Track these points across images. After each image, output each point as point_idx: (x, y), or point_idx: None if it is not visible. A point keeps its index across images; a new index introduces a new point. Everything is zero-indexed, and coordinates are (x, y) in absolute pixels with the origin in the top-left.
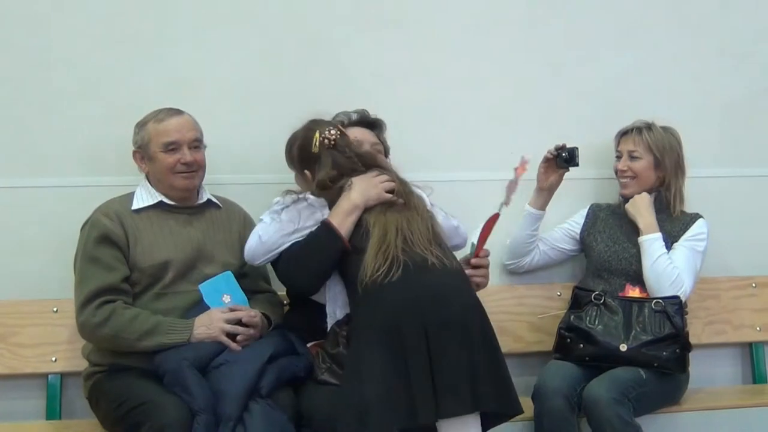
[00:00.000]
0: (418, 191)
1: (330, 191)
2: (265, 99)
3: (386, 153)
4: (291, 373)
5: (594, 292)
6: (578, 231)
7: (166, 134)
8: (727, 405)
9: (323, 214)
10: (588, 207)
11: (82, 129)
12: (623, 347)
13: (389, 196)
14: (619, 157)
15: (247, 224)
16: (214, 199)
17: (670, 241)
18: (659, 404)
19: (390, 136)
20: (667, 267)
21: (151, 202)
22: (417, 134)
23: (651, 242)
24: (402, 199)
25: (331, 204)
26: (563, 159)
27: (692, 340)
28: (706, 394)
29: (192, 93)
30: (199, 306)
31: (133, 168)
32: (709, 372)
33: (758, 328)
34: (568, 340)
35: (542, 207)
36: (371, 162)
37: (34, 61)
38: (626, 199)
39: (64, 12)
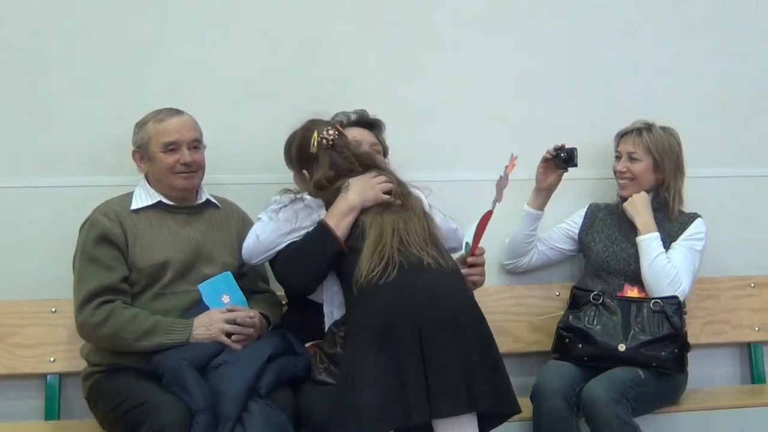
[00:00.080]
0: (417, 192)
1: (327, 191)
2: (265, 99)
3: (385, 153)
4: (290, 373)
5: (593, 292)
6: (577, 231)
7: (165, 134)
8: (725, 405)
9: (320, 214)
10: (586, 207)
11: (81, 129)
12: (622, 347)
13: (386, 197)
14: (618, 158)
15: (245, 224)
16: (213, 199)
17: (668, 240)
18: (658, 404)
19: (389, 136)
20: (666, 266)
21: (150, 202)
22: (416, 134)
23: (649, 242)
24: (399, 200)
25: (329, 204)
26: (562, 159)
27: (691, 340)
28: (704, 394)
29: (191, 93)
30: (198, 306)
31: (132, 168)
32: (707, 372)
33: (757, 328)
34: (567, 340)
35: (541, 207)
36: (369, 162)
37: (33, 61)
38: (624, 199)
39: (64, 12)
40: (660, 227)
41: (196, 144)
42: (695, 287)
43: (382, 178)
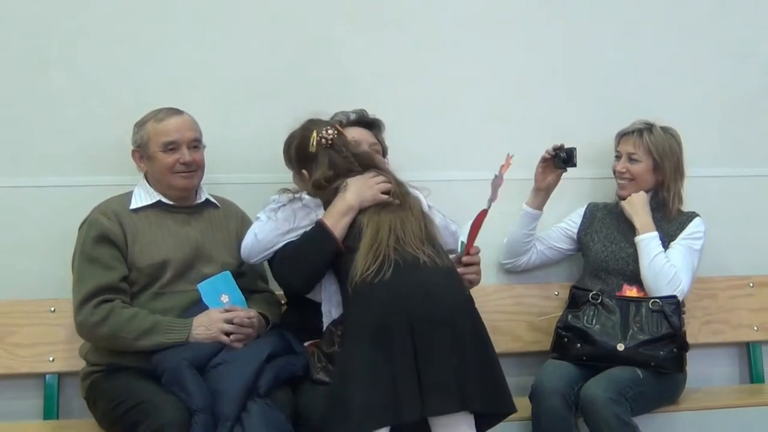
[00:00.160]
0: (415, 192)
1: (326, 191)
2: (265, 99)
3: (384, 153)
4: (289, 373)
5: (591, 291)
6: (575, 231)
7: (165, 134)
8: (724, 405)
9: (318, 214)
10: (585, 206)
11: (80, 129)
12: (620, 347)
13: (385, 197)
14: (618, 158)
15: (245, 224)
16: (213, 199)
17: (666, 240)
18: (656, 404)
19: (389, 135)
20: (665, 266)
21: (150, 202)
22: (416, 134)
23: (648, 241)
24: (398, 200)
25: (327, 204)
26: (561, 159)
27: (689, 339)
28: (703, 394)
29: (191, 93)
30: (197, 306)
31: (132, 167)
32: (706, 372)
33: (756, 328)
34: (566, 339)
35: (539, 207)
36: (368, 162)
37: (33, 61)
38: (623, 199)
39: (64, 12)
40: (659, 227)
41: (196, 144)
42: (694, 287)
43: (381, 178)
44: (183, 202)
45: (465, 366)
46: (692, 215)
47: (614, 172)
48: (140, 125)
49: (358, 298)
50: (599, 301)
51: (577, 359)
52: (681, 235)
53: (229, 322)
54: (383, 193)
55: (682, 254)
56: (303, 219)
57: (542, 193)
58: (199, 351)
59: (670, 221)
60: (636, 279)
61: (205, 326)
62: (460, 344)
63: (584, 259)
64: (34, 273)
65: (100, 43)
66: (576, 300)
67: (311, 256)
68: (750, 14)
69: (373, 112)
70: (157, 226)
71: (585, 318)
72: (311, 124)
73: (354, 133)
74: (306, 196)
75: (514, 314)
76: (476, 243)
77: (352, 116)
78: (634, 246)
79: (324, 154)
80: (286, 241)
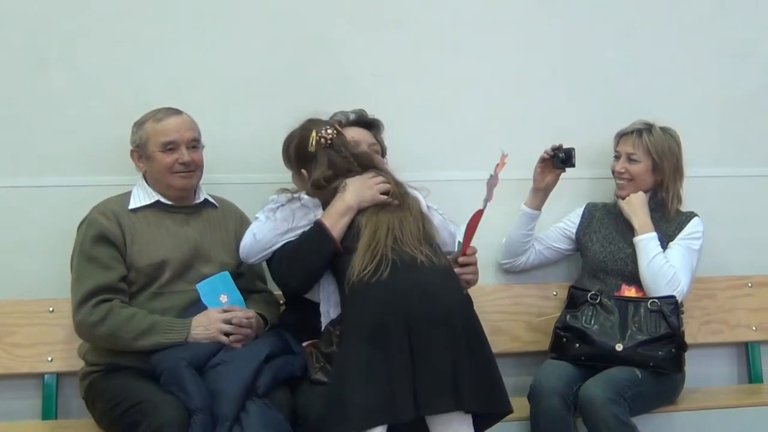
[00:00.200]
0: (414, 192)
1: (325, 191)
2: (264, 99)
3: (383, 153)
4: (287, 373)
5: (590, 291)
6: (574, 231)
7: (164, 134)
8: (723, 405)
9: (317, 214)
10: (584, 206)
11: (80, 128)
12: (619, 347)
13: (384, 197)
14: (617, 158)
15: (243, 224)
16: (211, 199)
17: (665, 240)
18: (655, 404)
19: (389, 135)
20: (664, 266)
21: (148, 202)
22: (416, 134)
23: (646, 242)
24: (396, 201)
25: (326, 204)
26: (560, 159)
27: (688, 339)
28: (702, 394)
29: (191, 93)
30: (196, 306)
31: (130, 167)
32: (705, 372)
33: (754, 328)
34: (564, 339)
35: (538, 207)
36: (367, 162)
37: (33, 60)
38: (622, 199)
39: (64, 12)
40: (657, 227)
41: (195, 144)
42: (693, 287)
43: (380, 178)
44: (182, 202)
45: (461, 366)
46: (691, 215)
47: (613, 172)
48: (139, 125)
49: (355, 297)
50: (598, 301)
51: (576, 359)
52: (680, 236)
53: (228, 322)
54: (382, 193)
55: (681, 255)
56: (302, 219)
57: (541, 193)
58: (198, 351)
59: (669, 221)
60: (635, 279)
61: (204, 326)
62: (457, 344)
63: (583, 259)
64: (33, 273)
65: (100, 43)
66: (574, 300)
67: (309, 256)
68: (750, 14)
69: (372, 112)
70: (156, 226)
71: (584, 318)
72: (310, 124)
73: (353, 133)
74: (305, 196)
75: (512, 314)
76: (474, 243)
77: (352, 116)
78: (632, 246)
79: (323, 154)
80: (284, 241)
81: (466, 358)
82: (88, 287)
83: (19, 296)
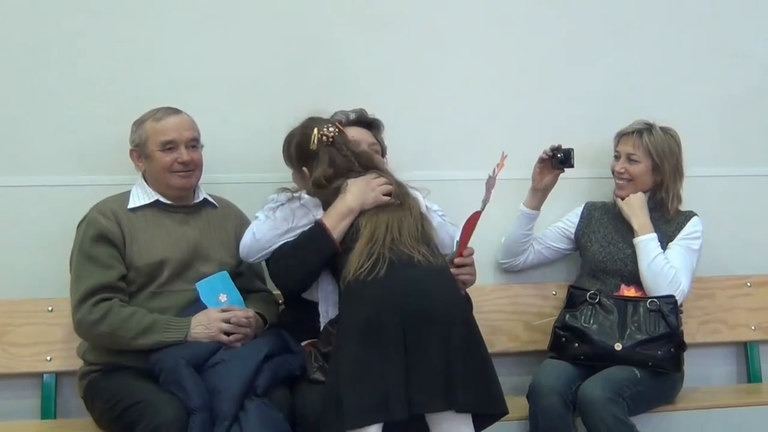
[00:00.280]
0: (415, 193)
1: (325, 191)
2: (263, 98)
3: (383, 153)
4: (286, 372)
5: (589, 291)
6: (573, 230)
7: (163, 133)
8: (721, 404)
9: (316, 214)
10: (583, 206)
11: (78, 128)
12: (618, 346)
13: (386, 199)
14: (617, 158)
15: (243, 223)
16: (210, 199)
17: (665, 240)
18: (654, 403)
19: (389, 135)
20: (664, 267)
21: (148, 201)
22: (416, 133)
23: (646, 243)
24: (398, 201)
25: (326, 204)
26: (558, 160)
27: (687, 339)
28: (701, 394)
29: (190, 92)
30: (194, 305)
31: (129, 167)
32: (704, 371)
33: (753, 328)
34: (563, 339)
35: (537, 207)
36: (368, 162)
37: (32, 60)
38: (621, 199)
39: (64, 12)
40: (657, 227)
41: (194, 143)
42: (692, 286)
43: (382, 179)
44: (181, 201)
45: (455, 365)
46: (690, 215)
47: (613, 172)
48: (138, 124)
49: (351, 296)
50: (597, 300)
51: (575, 359)
52: (679, 236)
53: (227, 321)
54: (385, 194)
55: (681, 255)
56: (301, 218)
57: (539, 193)
58: (197, 350)
59: (668, 221)
60: (634, 279)
61: (204, 325)
62: (451, 343)
63: (582, 259)
64: (32, 272)
65: (100, 42)
66: (574, 300)
67: (308, 256)
68: (750, 14)
69: (373, 112)
70: (155, 225)
71: (583, 318)
72: (312, 122)
73: (353, 133)
74: (305, 196)
75: (511, 314)
76: (473, 242)
77: (352, 116)
78: (632, 247)
79: (325, 152)
80: (284, 241)
81: (460, 358)
82: (87, 286)
83: (18, 296)
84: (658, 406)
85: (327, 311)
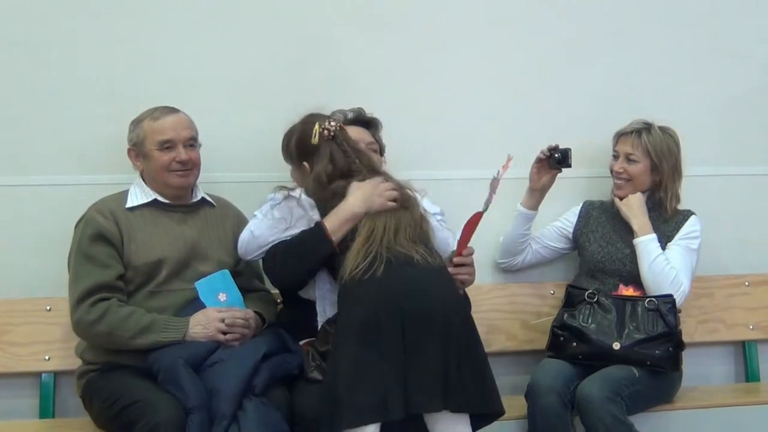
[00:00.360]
0: (414, 194)
1: (324, 191)
2: (263, 98)
3: (381, 152)
4: (285, 371)
5: (587, 290)
6: (571, 230)
7: (161, 132)
8: (720, 403)
9: (312, 215)
10: (581, 205)
11: (76, 127)
12: (616, 346)
13: (393, 205)
14: (616, 157)
15: (241, 223)
16: (208, 198)
17: (663, 240)
18: (652, 402)
19: (389, 134)
20: (665, 267)
21: (146, 200)
22: (415, 133)
23: (646, 243)
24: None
25: (321, 206)
26: (556, 160)
27: (685, 338)
28: (699, 393)
29: (189, 92)
30: (193, 304)
31: (127, 166)
32: (702, 370)
33: (751, 327)
34: (562, 338)
35: (534, 207)
36: (366, 161)
37: (32, 60)
38: (620, 199)
39: (64, 12)
40: (655, 227)
41: (192, 142)
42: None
43: (390, 184)
44: (179, 200)
45: (452, 364)
46: (688, 214)
47: (611, 171)
48: (136, 123)
49: (349, 295)
50: (595, 300)
51: (573, 358)
52: (677, 236)
53: (222, 321)
54: (391, 200)
55: (680, 255)
56: (299, 218)
57: (537, 193)
58: (195, 350)
59: (667, 221)
60: (632, 279)
61: (203, 325)
62: (449, 342)
63: (580, 258)
64: (30, 271)
65: (99, 42)
66: (572, 299)
67: (304, 256)
68: (749, 14)
69: (373, 112)
70: (153, 224)
71: (581, 317)
72: (313, 117)
73: (351, 132)
74: (302, 195)
75: (509, 313)
76: (471, 242)
77: (350, 115)
78: (630, 247)
79: (326, 147)
80: (282, 239)
81: (458, 358)
82: (85, 286)
83: (16, 295)
84: (657, 405)
85: (325, 310)
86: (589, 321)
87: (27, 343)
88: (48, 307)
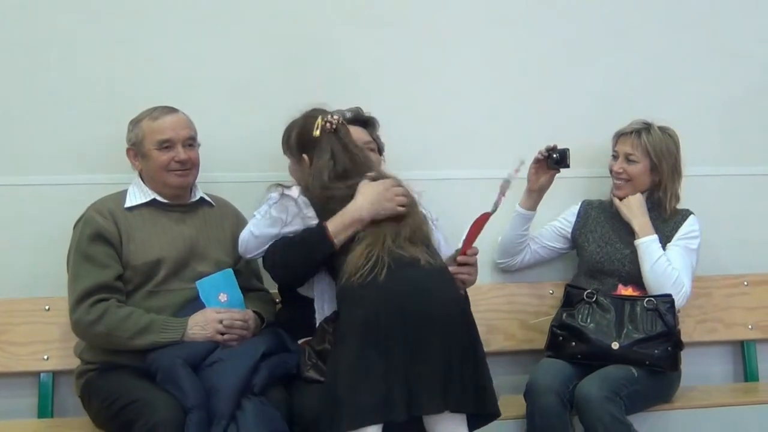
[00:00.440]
0: (415, 195)
1: (322, 189)
2: (262, 98)
3: (380, 151)
4: (283, 371)
5: (586, 290)
6: (570, 230)
7: (160, 132)
8: (718, 403)
9: (306, 213)
10: (579, 204)
11: (75, 127)
12: (615, 345)
13: (402, 210)
14: (615, 157)
15: (239, 222)
16: (207, 198)
17: (663, 240)
18: (651, 402)
19: (389, 134)
20: (667, 268)
21: (144, 200)
22: (415, 132)
23: (648, 244)
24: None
25: (317, 206)
26: (554, 160)
27: (684, 338)
28: (697, 393)
29: (189, 92)
30: (192, 304)
31: (126, 166)
32: (701, 370)
33: (750, 327)
34: (561, 338)
35: (532, 207)
36: (365, 161)
37: (32, 60)
38: (619, 199)
39: (62, 11)
40: (654, 227)
41: (191, 142)
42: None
43: (401, 189)
44: (177, 200)
45: (453, 366)
46: (686, 213)
47: (611, 171)
48: (135, 123)
49: (351, 296)
50: (594, 299)
51: (572, 357)
52: (676, 236)
53: (221, 323)
54: (400, 205)
55: (680, 256)
56: (294, 215)
57: (535, 194)
58: (194, 349)
59: (666, 221)
60: (631, 280)
61: (201, 326)
62: (451, 343)
63: (579, 258)
64: (29, 271)
65: (98, 42)
66: (571, 298)
67: (306, 255)
68: (750, 14)
69: (373, 112)
70: (152, 224)
71: (580, 316)
72: (315, 112)
73: None
74: (297, 194)
75: (507, 313)
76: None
77: (348, 115)
78: (629, 247)
79: (327, 141)
80: (281, 235)
81: (459, 358)
82: (84, 286)
83: (16, 294)
84: (655, 405)
85: (323, 307)
86: (588, 321)
87: (26, 343)
88: (47, 307)
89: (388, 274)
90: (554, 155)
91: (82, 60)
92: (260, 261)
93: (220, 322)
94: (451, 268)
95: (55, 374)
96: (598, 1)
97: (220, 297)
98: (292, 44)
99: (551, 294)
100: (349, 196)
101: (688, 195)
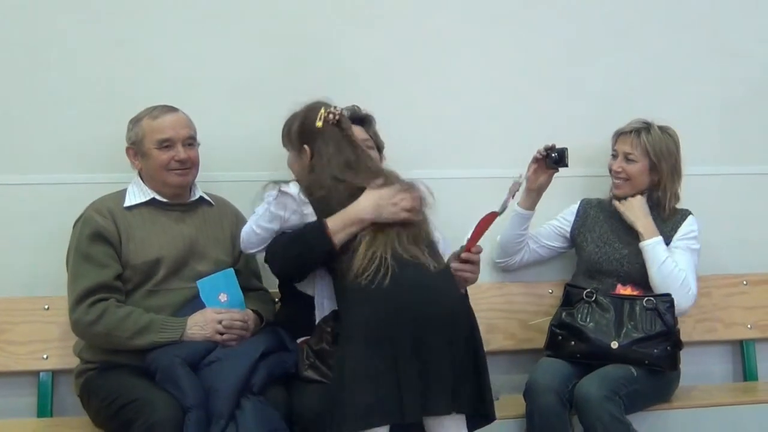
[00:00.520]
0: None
1: (316, 190)
2: (262, 97)
3: (379, 148)
4: (282, 370)
5: (586, 289)
6: (568, 229)
7: (160, 131)
8: (717, 403)
9: (304, 210)
10: (578, 203)
11: (74, 126)
12: (614, 345)
13: (406, 215)
14: (614, 156)
15: (239, 222)
16: (207, 197)
17: (663, 241)
18: (650, 402)
19: (388, 133)
20: (674, 270)
21: (144, 199)
22: (415, 132)
23: (653, 246)
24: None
25: (315, 204)
26: (553, 160)
27: (683, 337)
28: (697, 392)
29: (189, 92)
30: (191, 304)
31: (125, 165)
32: (700, 370)
33: (749, 326)
34: (560, 337)
35: (531, 207)
36: (367, 155)
37: (32, 60)
38: (618, 199)
39: (61, 11)
40: None
41: (191, 141)
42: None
43: (408, 196)
44: (177, 199)
45: (458, 366)
46: (685, 213)
47: (610, 170)
48: (135, 122)
49: (356, 297)
50: (593, 299)
51: (572, 357)
52: (676, 236)
53: (220, 323)
54: (406, 210)
55: (684, 257)
56: (292, 212)
57: (534, 193)
58: (193, 349)
59: (665, 221)
60: (630, 280)
61: (200, 326)
62: (457, 345)
63: (578, 257)
64: (28, 270)
65: (98, 41)
66: (570, 298)
67: (304, 251)
68: (750, 14)
69: (373, 111)
70: (151, 223)
71: (579, 316)
72: (317, 104)
73: None
74: (295, 191)
75: (507, 312)
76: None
77: (346, 113)
78: (628, 247)
79: (330, 132)
80: (282, 230)
81: (462, 359)
82: (84, 286)
83: (15, 293)
84: (655, 404)
85: (322, 303)
86: (588, 320)
87: (25, 342)
88: (46, 306)
89: (393, 276)
90: (553, 154)
91: (82, 60)
92: (260, 259)
93: (220, 322)
94: (453, 265)
95: (55, 373)
96: (598, 1)
97: (220, 297)
98: (292, 44)
99: (550, 293)
100: (351, 197)
101: (687, 195)
